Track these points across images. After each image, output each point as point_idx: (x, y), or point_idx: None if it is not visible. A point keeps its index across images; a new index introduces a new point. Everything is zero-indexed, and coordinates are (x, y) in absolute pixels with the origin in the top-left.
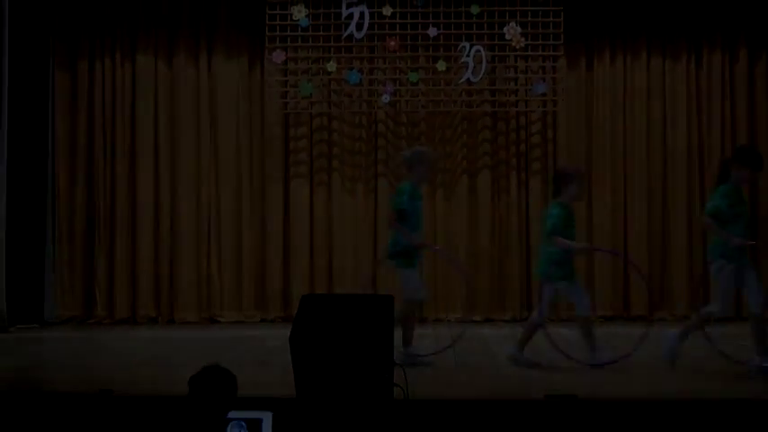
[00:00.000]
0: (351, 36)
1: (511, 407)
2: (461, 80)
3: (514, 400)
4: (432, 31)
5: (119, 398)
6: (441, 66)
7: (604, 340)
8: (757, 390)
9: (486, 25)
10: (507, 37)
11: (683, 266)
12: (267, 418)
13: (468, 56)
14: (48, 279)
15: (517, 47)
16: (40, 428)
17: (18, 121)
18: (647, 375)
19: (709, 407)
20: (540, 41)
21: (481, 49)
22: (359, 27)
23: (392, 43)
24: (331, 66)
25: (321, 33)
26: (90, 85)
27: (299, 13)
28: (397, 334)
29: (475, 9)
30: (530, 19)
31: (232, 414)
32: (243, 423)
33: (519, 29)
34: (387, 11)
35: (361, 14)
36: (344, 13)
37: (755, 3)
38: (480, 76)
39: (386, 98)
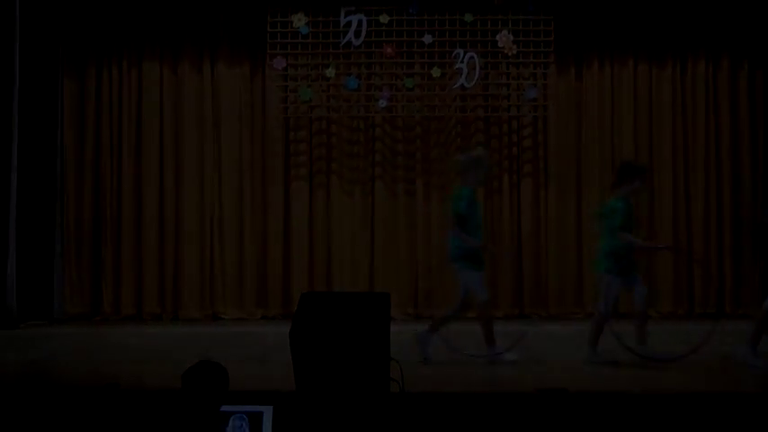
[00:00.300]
0: (349, 43)
1: (503, 400)
2: (455, 86)
3: (506, 393)
4: (427, 39)
5: (125, 391)
6: (435, 72)
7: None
8: (748, 383)
9: (479, 33)
10: (500, 44)
11: (668, 265)
12: (268, 412)
13: (461, 62)
14: (57, 277)
15: (509, 54)
16: (49, 421)
17: (28, 126)
18: (639, 370)
19: (700, 400)
20: (532, 49)
21: (474, 55)
22: (357, 34)
23: (389, 50)
24: (330, 72)
25: (320, 41)
26: (97, 91)
27: (299, 21)
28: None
29: (468, 17)
30: (521, 27)
31: (235, 408)
32: (244, 416)
33: (511, 37)
34: (384, 19)
35: (359, 22)
36: (343, 20)
37: (737, 15)
38: (474, 81)
39: (383, 103)
